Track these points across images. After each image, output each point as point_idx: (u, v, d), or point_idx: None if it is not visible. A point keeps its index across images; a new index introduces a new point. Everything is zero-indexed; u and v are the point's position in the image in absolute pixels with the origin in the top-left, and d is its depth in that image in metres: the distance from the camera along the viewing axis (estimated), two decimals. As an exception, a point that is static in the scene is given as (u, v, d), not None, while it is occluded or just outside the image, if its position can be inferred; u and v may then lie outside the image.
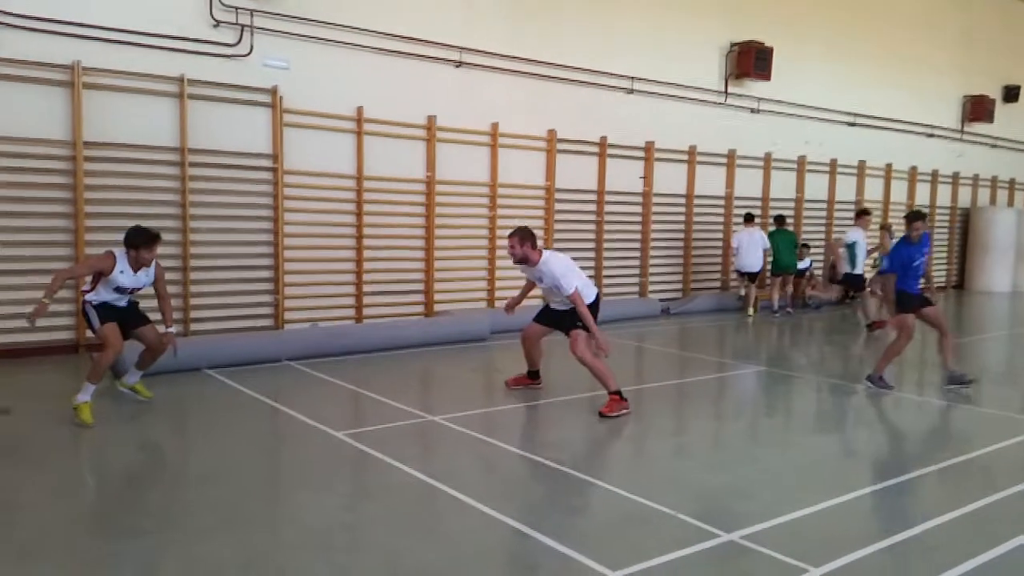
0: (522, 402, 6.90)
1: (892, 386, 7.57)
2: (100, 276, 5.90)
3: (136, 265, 5.96)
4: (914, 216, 7.70)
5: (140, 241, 5.92)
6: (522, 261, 6.67)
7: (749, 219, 13.27)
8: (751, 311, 13.15)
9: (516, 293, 7.43)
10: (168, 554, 3.74)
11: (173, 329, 6.39)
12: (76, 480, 4.95)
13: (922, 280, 7.75)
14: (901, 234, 7.94)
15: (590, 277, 12.31)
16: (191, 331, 9.03)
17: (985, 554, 3.81)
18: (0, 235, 8.04)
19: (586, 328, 6.55)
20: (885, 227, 14.61)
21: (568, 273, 6.53)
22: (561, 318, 6.78)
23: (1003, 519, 4.38)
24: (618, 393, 6.49)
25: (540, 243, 6.97)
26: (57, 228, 8.33)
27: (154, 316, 6.41)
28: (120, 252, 5.93)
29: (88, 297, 5.94)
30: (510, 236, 6.66)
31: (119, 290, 5.99)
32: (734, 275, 13.87)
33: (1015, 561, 3.80)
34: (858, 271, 11.83)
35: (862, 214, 12.42)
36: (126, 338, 6.10)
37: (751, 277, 13.20)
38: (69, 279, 5.86)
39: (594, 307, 6.69)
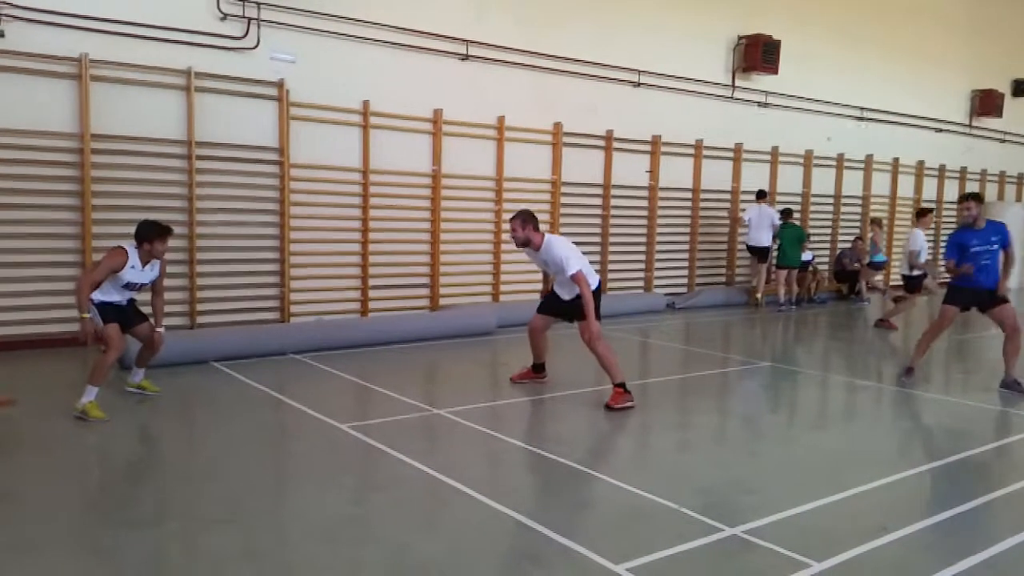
0: (527, 396, 6.92)
1: (911, 383, 7.53)
2: (109, 272, 5.91)
3: (146, 259, 5.99)
4: (962, 197, 7.47)
5: (154, 233, 5.94)
6: (524, 244, 6.67)
7: (761, 196, 13.41)
8: (759, 295, 13.25)
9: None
10: (173, 546, 3.77)
11: (163, 328, 6.40)
12: (80, 472, 4.98)
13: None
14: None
15: (596, 271, 12.42)
16: (197, 323, 9.07)
17: (985, 551, 3.82)
18: (7, 227, 8.08)
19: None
20: (875, 222, 14.74)
21: (571, 255, 6.52)
22: (567, 307, 6.80)
23: (1003, 517, 4.39)
24: (622, 386, 6.51)
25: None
26: (64, 220, 8.37)
27: (145, 310, 6.41)
28: (130, 247, 5.93)
29: (93, 295, 5.87)
30: (512, 219, 6.66)
31: (128, 286, 6.00)
32: (742, 247, 13.98)
33: (1014, 559, 3.80)
34: (918, 272, 11.28)
35: (923, 213, 11.83)
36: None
37: (761, 256, 13.28)
38: (93, 285, 5.85)
39: (595, 297, 6.71)
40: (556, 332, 7.17)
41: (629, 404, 6.46)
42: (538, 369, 7.31)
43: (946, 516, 4.28)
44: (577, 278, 6.45)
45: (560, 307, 6.90)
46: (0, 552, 3.64)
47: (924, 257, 11.23)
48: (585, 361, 7.02)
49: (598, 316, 6.64)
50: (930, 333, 7.67)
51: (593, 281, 6.69)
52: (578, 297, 6.56)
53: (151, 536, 3.87)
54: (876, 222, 14.81)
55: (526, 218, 6.61)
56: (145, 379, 6.55)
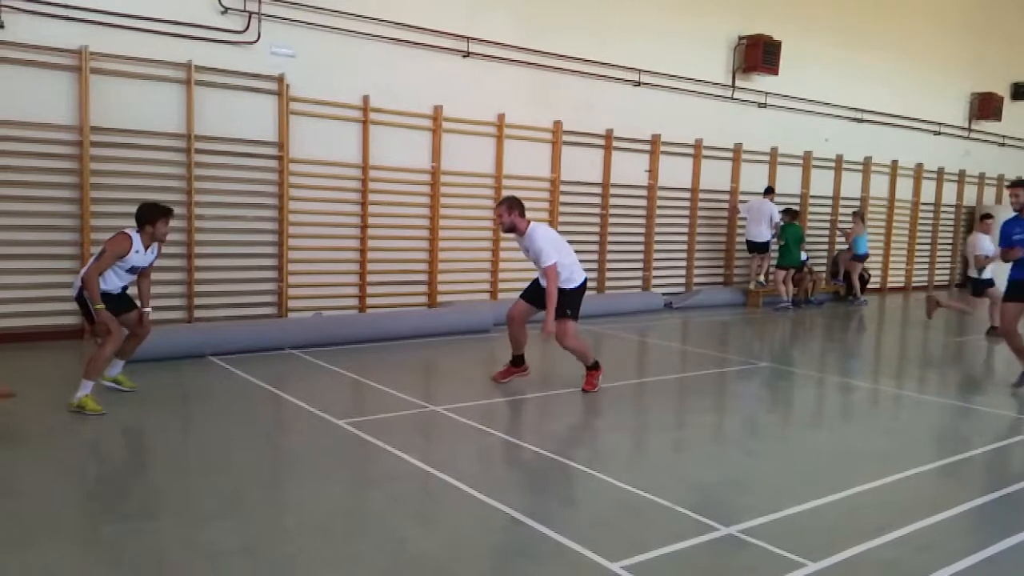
0: (522, 393, 6.92)
1: None
2: (116, 259, 5.90)
3: (148, 242, 6.01)
4: (1011, 184, 7.38)
5: (157, 215, 5.97)
6: (510, 230, 6.78)
7: (768, 192, 13.61)
8: (759, 280, 13.55)
9: (523, 282, 7.47)
10: (170, 540, 3.76)
11: (149, 309, 6.37)
12: (78, 465, 4.98)
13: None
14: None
15: (592, 270, 12.45)
16: (195, 317, 9.07)
17: (980, 552, 3.83)
18: (6, 219, 8.07)
19: (570, 312, 6.77)
20: (857, 214, 14.87)
21: (548, 246, 6.58)
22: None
23: (997, 518, 4.40)
24: (594, 365, 6.87)
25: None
26: (63, 213, 8.36)
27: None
28: (132, 231, 5.95)
29: None
30: (498, 205, 6.80)
31: (132, 270, 6.02)
32: (741, 247, 14.12)
33: (1009, 560, 3.81)
34: (987, 276, 10.91)
35: (983, 219, 11.68)
36: None
37: (760, 250, 13.50)
38: (100, 274, 5.84)
39: (578, 293, 6.79)
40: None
41: (600, 377, 6.89)
42: (517, 363, 7.20)
43: (943, 517, 4.29)
44: (548, 271, 6.56)
45: (541, 295, 6.89)
46: (-4, 543, 3.65)
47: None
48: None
49: (576, 314, 6.80)
50: (1011, 338, 7.50)
51: (577, 278, 6.78)
52: (560, 291, 6.69)
53: (149, 529, 3.86)
54: (858, 215, 14.91)
55: (512, 204, 6.72)
56: (121, 374, 6.40)
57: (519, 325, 7.11)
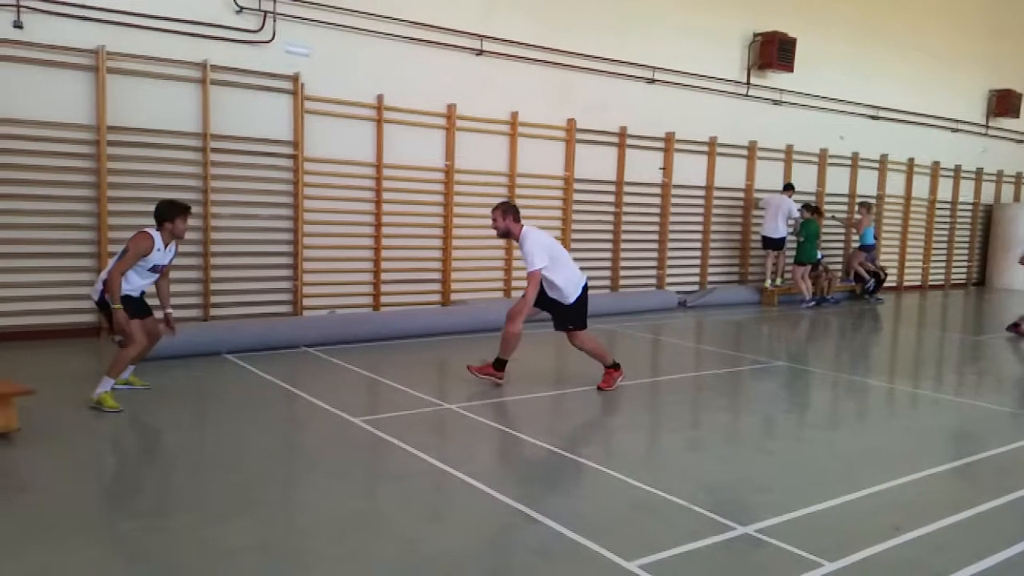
0: (537, 391, 6.91)
1: None
2: (138, 258, 5.92)
3: (168, 239, 6.05)
4: None
5: (176, 212, 6.01)
6: (505, 235, 6.78)
7: (787, 188, 13.62)
8: (775, 280, 13.51)
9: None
10: (185, 536, 3.78)
11: (171, 310, 6.40)
12: (95, 462, 5.02)
13: None
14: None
15: (606, 268, 12.42)
16: (211, 316, 9.12)
17: (999, 553, 3.79)
18: (24, 218, 8.14)
19: (572, 327, 6.79)
20: (864, 205, 14.80)
21: (536, 253, 6.48)
22: (549, 304, 6.82)
23: (1017, 519, 4.35)
24: (614, 365, 6.82)
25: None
26: (80, 212, 8.42)
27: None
28: (152, 230, 5.99)
29: None
30: (493, 210, 6.77)
31: (154, 269, 6.05)
32: (756, 245, 14.11)
33: (1031, 560, 3.78)
34: None
35: None
36: None
37: (774, 247, 13.48)
38: (123, 274, 5.87)
39: (577, 306, 6.76)
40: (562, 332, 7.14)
41: (620, 379, 6.86)
42: (499, 366, 6.91)
43: (961, 517, 4.26)
44: (529, 276, 6.53)
45: (544, 300, 6.85)
46: (17, 539, 3.68)
47: None
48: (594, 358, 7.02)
49: (581, 325, 6.81)
50: None
51: (572, 293, 6.72)
52: (566, 304, 6.71)
53: (164, 526, 3.89)
54: (865, 206, 14.82)
55: (506, 209, 6.69)
56: (133, 374, 6.41)
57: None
